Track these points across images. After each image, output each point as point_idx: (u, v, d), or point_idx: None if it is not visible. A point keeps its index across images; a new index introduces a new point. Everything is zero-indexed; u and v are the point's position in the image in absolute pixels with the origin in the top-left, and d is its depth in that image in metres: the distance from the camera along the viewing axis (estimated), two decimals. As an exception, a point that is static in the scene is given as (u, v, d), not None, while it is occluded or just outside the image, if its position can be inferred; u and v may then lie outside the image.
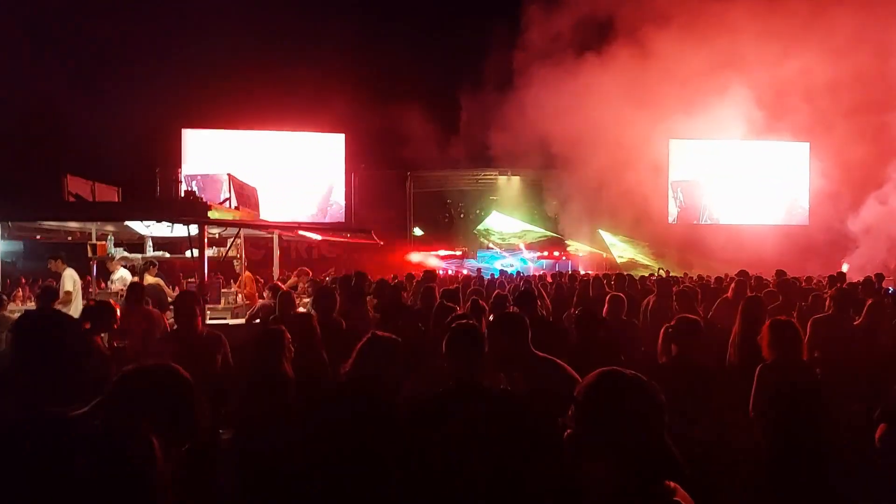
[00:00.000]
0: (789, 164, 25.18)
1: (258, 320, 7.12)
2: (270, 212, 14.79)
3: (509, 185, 26.86)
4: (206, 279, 8.12)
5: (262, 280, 12.13)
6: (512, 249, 26.71)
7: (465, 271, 19.71)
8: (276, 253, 11.57)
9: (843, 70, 19.64)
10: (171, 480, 1.61)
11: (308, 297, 8.90)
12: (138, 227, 9.55)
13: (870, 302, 5.51)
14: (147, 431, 1.62)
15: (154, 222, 8.30)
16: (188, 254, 8.06)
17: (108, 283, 9.54)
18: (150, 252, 9.82)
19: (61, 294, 7.87)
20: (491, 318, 4.50)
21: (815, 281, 12.56)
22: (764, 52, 21.62)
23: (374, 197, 24.81)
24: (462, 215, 29.01)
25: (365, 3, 26.84)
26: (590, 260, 25.51)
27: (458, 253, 26.56)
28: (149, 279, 9.14)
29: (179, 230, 8.69)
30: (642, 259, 24.96)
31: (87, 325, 4.70)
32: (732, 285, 7.28)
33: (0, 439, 1.50)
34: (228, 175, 9.71)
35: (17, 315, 6.78)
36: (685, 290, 5.96)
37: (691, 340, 3.83)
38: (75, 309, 8.19)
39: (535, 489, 2.48)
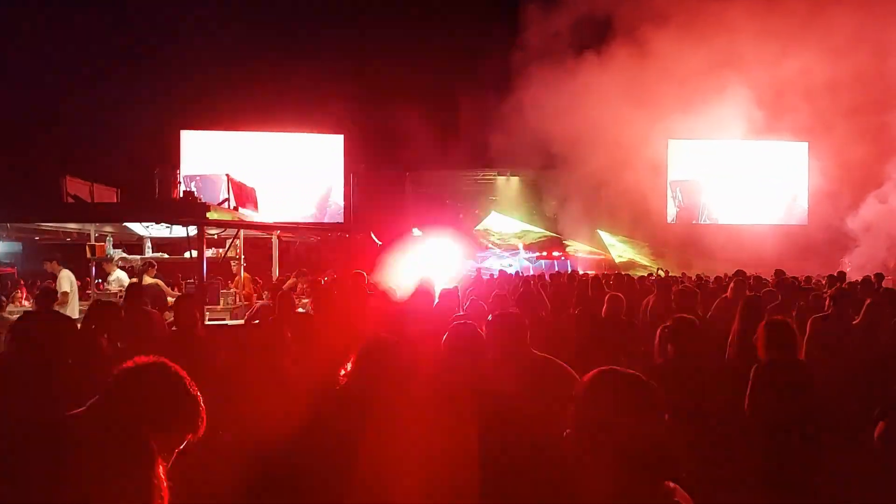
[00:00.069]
0: (788, 163, 25.19)
1: (257, 321, 7.12)
2: (269, 212, 14.78)
3: (508, 185, 26.86)
4: (205, 280, 8.11)
5: (260, 281, 12.13)
6: (511, 249, 26.71)
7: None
8: (276, 254, 11.56)
9: (842, 69, 19.66)
10: (169, 480, 1.60)
11: (307, 297, 8.89)
12: (137, 228, 9.55)
13: (868, 301, 5.51)
14: (146, 432, 1.62)
15: (153, 223, 8.29)
16: (187, 255, 8.05)
17: (105, 284, 9.54)
18: (148, 253, 9.82)
19: (58, 295, 7.86)
20: (490, 318, 4.51)
21: (814, 280, 12.58)
22: (763, 51, 21.63)
23: (373, 197, 24.80)
24: (461, 216, 28.99)
25: (363, 4, 26.86)
26: (589, 260, 25.52)
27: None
28: (147, 280, 9.14)
29: (178, 231, 8.70)
30: (641, 259, 24.97)
31: (93, 326, 4.73)
32: (731, 285, 7.29)
33: (0, 439, 1.50)
34: (227, 176, 9.71)
35: (16, 316, 6.79)
36: (684, 289, 5.96)
37: (688, 340, 3.84)
38: (72, 310, 8.20)
39: (535, 490, 2.48)
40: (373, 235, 14.47)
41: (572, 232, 25.54)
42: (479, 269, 18.37)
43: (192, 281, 8.31)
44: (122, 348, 4.80)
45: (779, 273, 11.15)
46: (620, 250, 25.45)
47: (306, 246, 22.00)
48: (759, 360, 3.90)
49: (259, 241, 13.69)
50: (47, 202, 8.46)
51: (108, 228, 9.80)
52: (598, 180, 21.61)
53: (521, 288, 7.74)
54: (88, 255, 9.32)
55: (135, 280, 8.74)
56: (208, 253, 8.72)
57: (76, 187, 8.83)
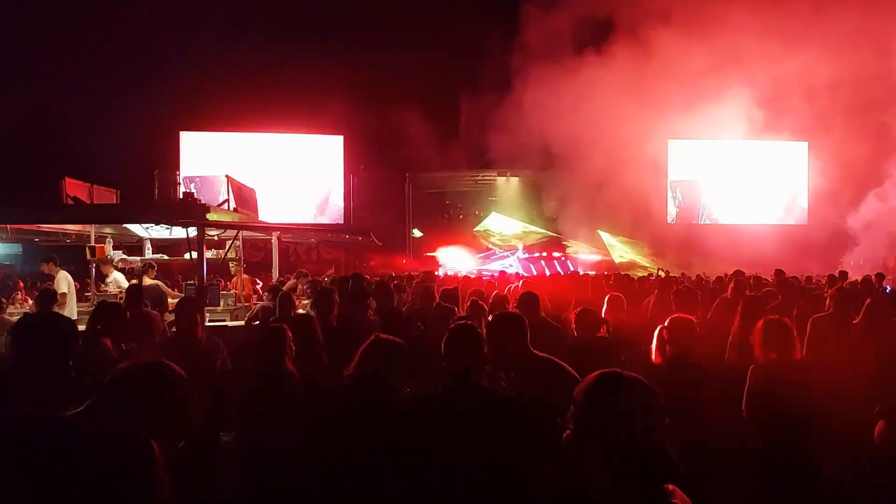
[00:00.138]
0: (788, 163, 25.19)
1: (258, 322, 7.12)
2: (269, 214, 14.79)
3: (508, 185, 26.84)
4: (205, 281, 8.11)
5: (259, 282, 12.14)
6: (510, 250, 26.71)
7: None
8: (276, 255, 11.56)
9: (842, 69, 19.67)
10: (169, 482, 1.60)
11: (307, 298, 8.89)
12: (137, 229, 9.55)
13: (868, 301, 5.51)
14: (147, 433, 1.62)
15: (152, 224, 8.29)
16: (187, 256, 8.05)
17: (103, 285, 9.54)
18: (148, 254, 9.82)
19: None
20: (490, 318, 4.50)
21: (814, 280, 12.58)
22: (762, 51, 21.64)
23: (373, 198, 24.80)
24: (461, 216, 28.98)
25: (363, 4, 26.84)
26: (589, 260, 25.51)
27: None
28: (148, 281, 9.14)
29: (178, 232, 8.69)
30: (641, 260, 24.96)
31: (98, 327, 4.74)
32: (731, 285, 7.28)
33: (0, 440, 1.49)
34: (227, 177, 9.71)
35: (16, 318, 6.78)
36: (683, 289, 5.95)
37: (686, 341, 3.84)
38: (70, 311, 8.19)
39: (535, 490, 2.48)
40: (372, 237, 14.47)
41: (572, 232, 25.53)
42: (479, 270, 18.37)
43: (192, 282, 8.30)
44: (126, 350, 4.80)
45: (779, 273, 11.16)
46: (621, 250, 25.44)
47: (306, 247, 22.03)
48: (756, 360, 3.89)
49: (259, 242, 13.71)
50: (47, 204, 8.46)
51: (107, 230, 9.80)
52: (598, 180, 21.60)
53: (522, 288, 7.74)
54: (88, 256, 9.32)
55: (135, 281, 8.74)
56: (208, 254, 8.71)
57: (76, 189, 8.85)
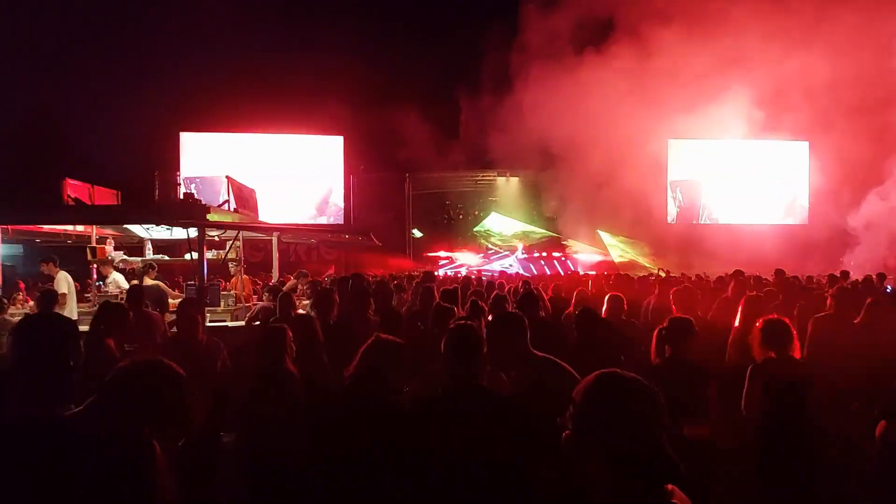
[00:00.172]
0: (789, 162, 25.17)
1: (258, 322, 7.13)
2: (269, 214, 14.78)
3: (508, 186, 26.84)
4: (205, 282, 8.12)
5: (259, 283, 12.14)
6: (510, 250, 26.73)
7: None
8: (276, 255, 11.57)
9: (842, 68, 19.65)
10: (172, 482, 1.60)
11: (307, 299, 8.90)
12: (137, 230, 9.55)
13: (869, 301, 5.52)
14: (149, 432, 1.62)
15: (153, 225, 8.29)
16: (188, 256, 8.06)
17: (103, 286, 9.55)
18: (149, 255, 9.82)
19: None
20: (490, 318, 4.51)
21: (815, 280, 12.57)
22: (763, 50, 21.63)
23: (372, 199, 24.80)
24: (461, 217, 28.99)
25: (363, 5, 26.85)
26: (589, 260, 25.51)
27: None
28: (148, 282, 9.14)
29: (178, 233, 8.70)
30: (641, 260, 24.95)
31: (102, 327, 4.75)
32: (732, 284, 7.28)
33: (0, 441, 1.50)
34: (227, 177, 9.71)
35: (17, 318, 6.79)
36: (682, 290, 5.95)
37: (684, 341, 3.84)
38: (70, 311, 8.20)
39: (535, 490, 2.48)
40: (371, 237, 14.47)
41: (572, 232, 25.53)
42: (479, 271, 18.37)
43: (192, 283, 8.31)
44: (129, 351, 4.82)
45: (779, 273, 11.15)
46: (621, 250, 25.43)
47: (306, 247, 22.04)
48: (755, 359, 3.90)
49: (259, 242, 13.71)
50: (47, 204, 8.46)
51: (108, 231, 9.80)
52: (597, 180, 21.58)
53: (522, 290, 7.74)
54: (89, 257, 9.32)
55: (136, 282, 8.75)
56: (209, 255, 8.72)
57: (76, 189, 8.85)
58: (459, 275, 17.50)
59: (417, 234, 27.31)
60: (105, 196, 10.02)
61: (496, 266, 23.33)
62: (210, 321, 7.87)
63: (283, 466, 3.73)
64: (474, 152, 24.88)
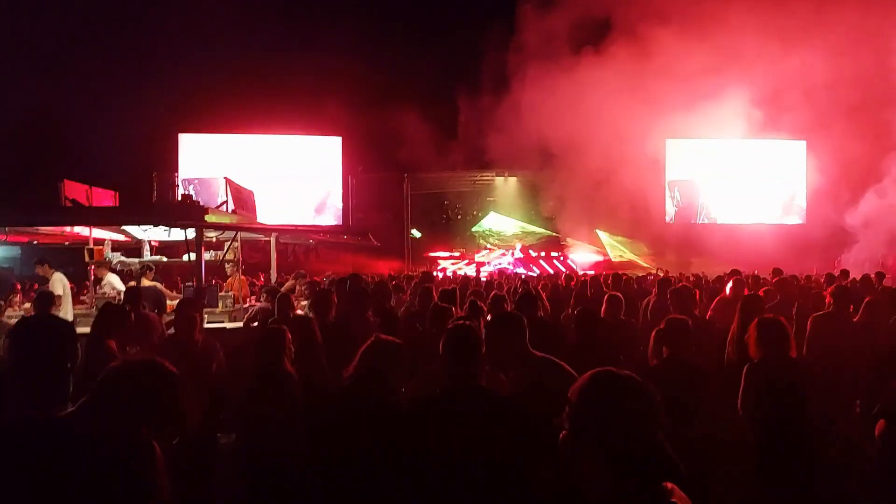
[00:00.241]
0: (786, 162, 25.20)
1: (256, 323, 7.11)
2: (268, 215, 14.77)
3: (506, 185, 26.85)
4: (203, 283, 8.10)
5: (257, 283, 12.13)
6: (509, 249, 26.75)
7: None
8: (274, 256, 11.56)
9: (840, 67, 19.67)
10: (170, 482, 1.59)
11: (306, 299, 8.88)
12: (135, 231, 9.53)
13: (867, 299, 5.52)
14: (147, 432, 1.61)
15: (151, 226, 8.28)
16: (186, 257, 8.05)
17: (99, 287, 9.53)
18: (147, 256, 9.80)
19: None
20: (489, 318, 4.50)
21: (813, 279, 12.58)
22: (760, 50, 21.65)
23: (371, 199, 24.80)
24: (459, 217, 29.00)
25: (361, 6, 26.85)
26: (588, 260, 25.53)
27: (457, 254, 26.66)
28: (146, 283, 9.13)
29: (177, 234, 8.68)
30: (640, 260, 24.98)
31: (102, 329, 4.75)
32: (730, 284, 7.28)
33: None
34: (225, 178, 9.71)
35: (13, 320, 6.77)
36: (680, 289, 5.94)
37: (682, 341, 3.84)
38: (65, 313, 8.18)
39: (534, 490, 2.47)
40: (370, 237, 14.48)
41: (571, 232, 25.54)
42: (477, 271, 18.37)
43: (190, 284, 8.30)
44: (130, 353, 4.81)
45: (776, 272, 11.15)
46: (619, 250, 25.45)
47: (304, 248, 22.02)
48: (751, 358, 3.89)
49: (257, 243, 13.69)
50: (45, 206, 8.45)
51: (105, 232, 9.78)
52: (596, 180, 21.60)
53: (520, 290, 7.74)
54: (87, 258, 9.30)
55: (133, 283, 8.73)
56: (207, 256, 8.70)
57: (74, 191, 8.83)
58: (459, 275, 17.52)
59: (416, 234, 27.31)
60: (103, 197, 10.01)
61: (495, 263, 23.34)
62: (207, 322, 7.86)
63: (282, 467, 3.72)
64: (473, 152, 24.91)
